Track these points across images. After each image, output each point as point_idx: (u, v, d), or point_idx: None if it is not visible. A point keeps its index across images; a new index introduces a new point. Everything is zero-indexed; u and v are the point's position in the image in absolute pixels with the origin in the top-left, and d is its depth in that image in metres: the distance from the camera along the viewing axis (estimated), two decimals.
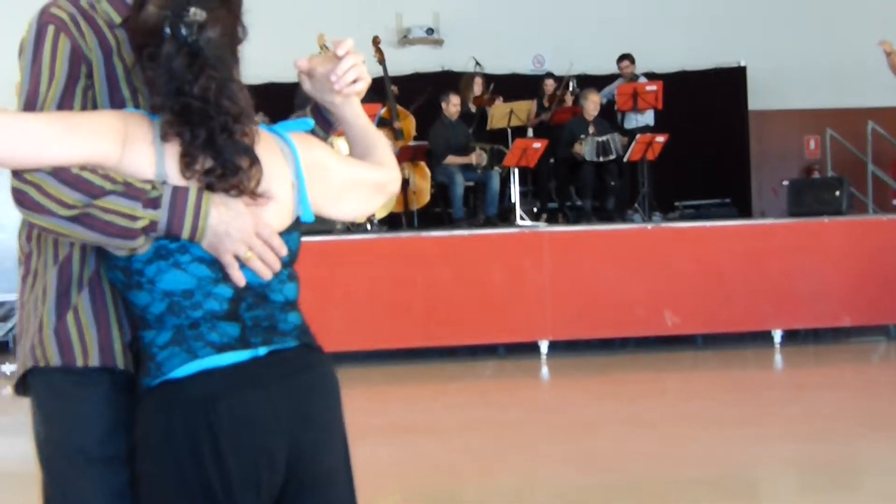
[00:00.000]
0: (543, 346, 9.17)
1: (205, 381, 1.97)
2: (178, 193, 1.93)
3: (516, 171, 11.24)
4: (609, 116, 12.25)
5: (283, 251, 2.03)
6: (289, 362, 2.06)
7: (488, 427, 6.77)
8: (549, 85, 12.93)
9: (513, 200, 11.19)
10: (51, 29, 2.03)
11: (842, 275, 9.45)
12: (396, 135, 11.78)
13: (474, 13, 13.96)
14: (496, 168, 11.63)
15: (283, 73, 12.50)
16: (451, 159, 11.51)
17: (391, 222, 11.44)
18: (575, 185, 12.05)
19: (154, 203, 1.90)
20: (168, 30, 1.93)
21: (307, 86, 2.34)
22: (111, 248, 1.95)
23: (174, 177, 1.94)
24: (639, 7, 14.02)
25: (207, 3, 1.96)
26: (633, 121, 12.21)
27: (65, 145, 1.87)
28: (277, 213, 2.04)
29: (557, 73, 13.13)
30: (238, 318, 2.01)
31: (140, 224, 1.90)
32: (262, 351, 2.02)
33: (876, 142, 12.77)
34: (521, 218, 10.89)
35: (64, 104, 2.02)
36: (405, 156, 11.46)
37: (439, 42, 14.07)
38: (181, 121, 1.94)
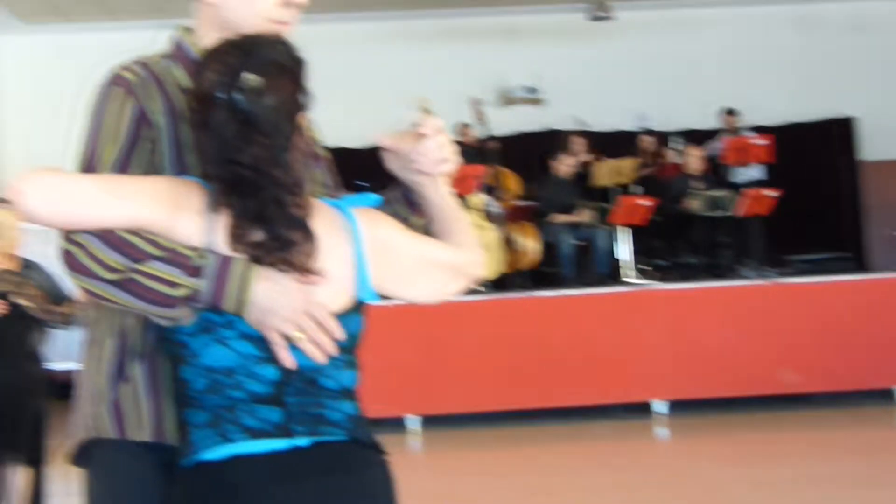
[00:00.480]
0: (659, 406, 9.02)
1: (235, 468, 1.86)
2: (223, 263, 1.86)
3: (624, 229, 11.16)
4: (715, 171, 12.12)
5: (339, 334, 1.90)
6: (334, 458, 1.90)
7: (611, 491, 6.65)
8: (646, 141, 12.85)
9: (621, 258, 11.09)
10: (117, 91, 2.05)
11: None
12: (501, 195, 11.79)
13: (575, 72, 13.97)
14: (603, 226, 11.56)
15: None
16: (559, 218, 11.46)
17: (500, 283, 11.40)
18: (684, 242, 11.91)
19: (197, 271, 1.85)
20: (222, 95, 1.89)
21: (391, 163, 2.22)
22: (153, 317, 1.89)
23: (222, 248, 1.87)
24: (741, 61, 13.90)
25: (265, 70, 1.90)
26: (741, 175, 12.06)
27: (113, 208, 1.84)
28: (334, 292, 1.93)
29: (660, 128, 13.05)
30: (281, 402, 1.89)
31: (180, 292, 1.84)
32: (304, 441, 1.89)
33: None
34: (631, 276, 10.79)
35: (123, 167, 2.01)
36: (511, 216, 11.46)
37: (541, 101, 14.09)
38: (231, 190, 1.87)
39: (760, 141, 11.51)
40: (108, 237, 1.84)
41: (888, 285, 9.55)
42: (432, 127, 2.16)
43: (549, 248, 11.59)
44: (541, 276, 11.76)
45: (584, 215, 11.50)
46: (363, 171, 12.66)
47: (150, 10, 12.83)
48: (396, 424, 8.80)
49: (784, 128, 13.45)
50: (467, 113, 12.32)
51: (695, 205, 11.28)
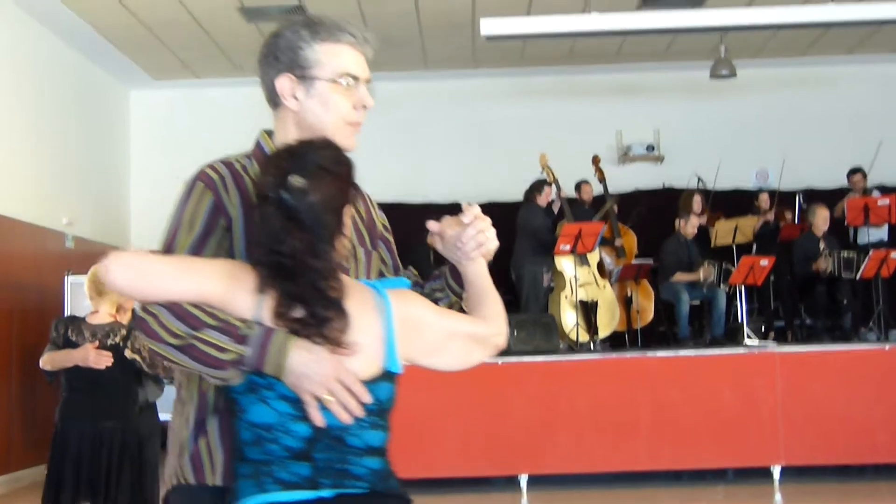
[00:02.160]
0: (776, 472, 8.82)
1: None
2: (266, 334, 2.16)
3: (743, 288, 11.02)
4: (838, 232, 11.90)
5: (367, 398, 2.17)
6: None
7: None
8: (763, 199, 12.69)
9: (740, 319, 10.94)
10: (199, 186, 2.39)
11: None
12: (618, 252, 11.76)
13: (694, 129, 13.90)
14: (723, 286, 11.43)
15: (505, 193, 12.81)
16: (680, 276, 11.38)
17: (615, 341, 11.35)
18: (805, 304, 11.69)
19: (244, 340, 2.15)
20: (272, 193, 2.18)
21: (438, 246, 2.55)
22: (208, 377, 2.20)
23: (268, 322, 2.17)
24: (865, 119, 13.65)
25: (311, 172, 2.18)
26: (866, 236, 11.82)
27: (181, 284, 2.15)
28: (364, 362, 2.20)
29: (782, 187, 12.88)
30: (310, 458, 2.16)
31: (228, 357, 2.14)
32: (328, 493, 2.15)
33: None
34: (749, 337, 10.62)
35: (197, 251, 2.33)
36: (628, 273, 11.41)
37: (660, 158, 14.05)
38: (275, 275, 2.16)
39: (883, 201, 11.27)
40: (174, 308, 2.16)
41: None
42: (473, 215, 2.48)
43: (668, 307, 11.50)
44: (657, 335, 11.67)
45: (704, 273, 11.39)
46: (503, 225, 12.87)
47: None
48: (509, 483, 8.80)
49: None
50: (587, 169, 12.36)
51: (824, 265, 11.09)
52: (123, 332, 5.76)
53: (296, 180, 2.17)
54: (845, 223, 11.95)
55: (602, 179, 12.17)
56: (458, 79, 13.92)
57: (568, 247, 10.62)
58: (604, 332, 11.01)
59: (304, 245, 2.16)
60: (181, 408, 2.42)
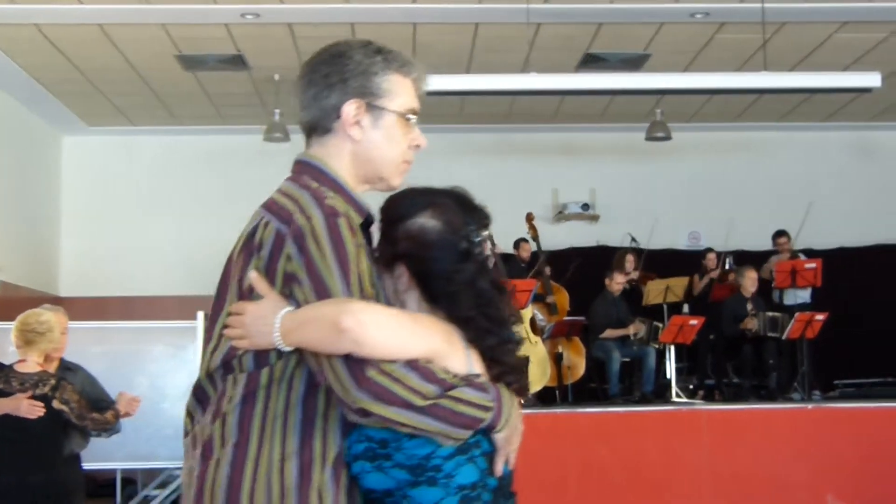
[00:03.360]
0: None
1: None
2: (496, 388, 2.09)
3: (672, 347, 11.17)
4: (765, 293, 12.13)
5: None
6: None
7: None
8: (711, 259, 12.91)
9: (669, 377, 11.09)
10: (343, 222, 2.11)
11: None
12: (550, 310, 11.87)
13: (630, 189, 14.11)
14: (653, 344, 11.59)
15: None
16: (610, 333, 11.52)
17: (546, 397, 11.42)
18: (733, 363, 11.89)
19: (491, 395, 2.06)
20: (466, 246, 2.16)
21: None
22: (443, 439, 2.02)
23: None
24: (793, 184, 13.96)
25: (484, 223, 2.23)
26: (793, 297, 12.06)
27: (417, 341, 2.02)
28: None
29: (715, 249, 13.13)
30: None
31: (489, 414, 2.04)
32: None
33: None
34: (678, 395, 10.77)
35: (377, 294, 2.12)
36: (560, 330, 11.52)
37: (595, 217, 14.23)
38: (483, 331, 2.12)
39: (809, 265, 11.54)
40: (418, 369, 2.00)
41: None
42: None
43: (598, 364, 11.62)
44: (587, 391, 11.78)
45: (634, 328, 11.57)
46: None
47: (211, 116, 13.28)
48: None
49: (835, 251, 13.47)
50: (522, 227, 12.48)
51: (752, 325, 11.29)
52: (52, 381, 5.66)
53: (489, 234, 2.19)
54: (773, 285, 12.20)
55: (535, 237, 12.30)
56: None
57: None
58: (535, 387, 11.06)
59: (500, 299, 2.17)
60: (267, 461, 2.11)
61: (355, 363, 1.97)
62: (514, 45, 10.56)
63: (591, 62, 11.42)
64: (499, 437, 2.09)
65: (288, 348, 2.08)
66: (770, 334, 11.25)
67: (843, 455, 9.08)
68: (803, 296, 12.07)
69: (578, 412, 9.40)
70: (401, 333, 2.00)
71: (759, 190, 14.16)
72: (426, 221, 2.19)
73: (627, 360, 11.75)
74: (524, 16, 9.61)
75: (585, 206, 14.22)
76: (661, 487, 8.96)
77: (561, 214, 14.23)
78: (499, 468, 2.10)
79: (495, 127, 13.97)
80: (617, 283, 11.87)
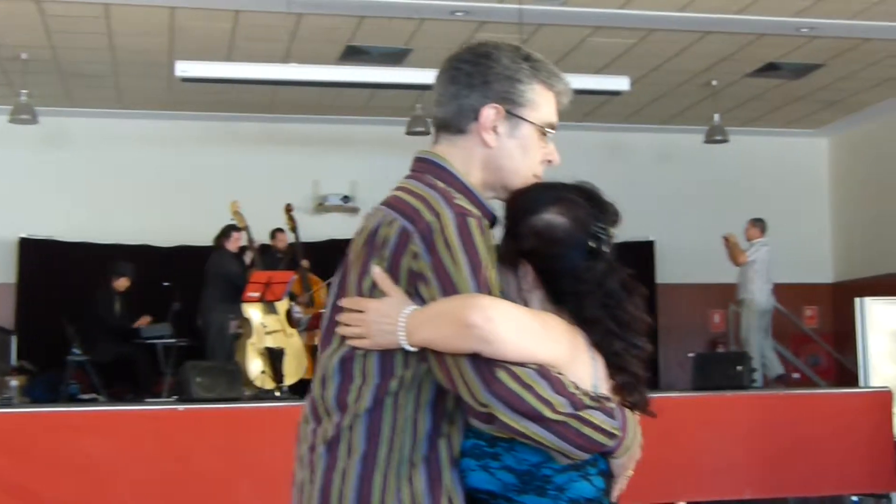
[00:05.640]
0: None
1: None
2: (622, 411, 2.01)
3: None
4: None
5: None
6: None
7: None
8: None
9: None
10: (473, 222, 2.03)
11: (743, 448, 9.57)
12: (308, 301, 11.83)
13: (390, 182, 13.82)
14: None
15: (196, 238, 12.63)
16: None
17: (301, 390, 11.37)
18: None
19: (619, 422, 1.98)
20: (595, 244, 2.07)
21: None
22: (557, 456, 1.94)
23: (604, 390, 2.01)
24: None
25: (612, 220, 2.12)
26: None
27: (544, 345, 1.93)
28: None
29: None
30: None
31: (613, 442, 1.96)
32: None
33: (776, 317, 13.08)
34: None
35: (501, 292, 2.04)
36: (316, 323, 11.49)
37: (355, 210, 14.26)
38: (610, 334, 2.03)
39: None
40: (549, 378, 1.90)
41: (679, 404, 9.88)
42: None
43: None
44: None
45: None
46: (168, 271, 12.60)
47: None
48: None
49: None
50: (282, 217, 12.39)
51: None
52: None
53: (611, 233, 2.09)
54: None
55: (294, 228, 12.22)
56: (153, 119, 13.68)
57: (257, 294, 10.62)
58: (290, 379, 11.02)
59: (638, 300, 2.09)
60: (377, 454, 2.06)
61: (483, 363, 1.89)
62: (275, 34, 10.47)
63: (354, 55, 11.44)
64: (615, 463, 2.02)
65: (412, 348, 1.99)
66: None
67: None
68: None
69: None
70: (530, 334, 1.91)
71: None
72: (553, 218, 2.10)
73: None
74: (285, 5, 9.53)
75: (346, 199, 14.24)
76: None
77: (321, 206, 14.20)
78: (615, 493, 2.05)
79: (257, 116, 13.83)
80: None
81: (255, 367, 10.85)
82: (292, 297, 11.47)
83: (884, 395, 9.90)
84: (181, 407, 8.55)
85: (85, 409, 9.42)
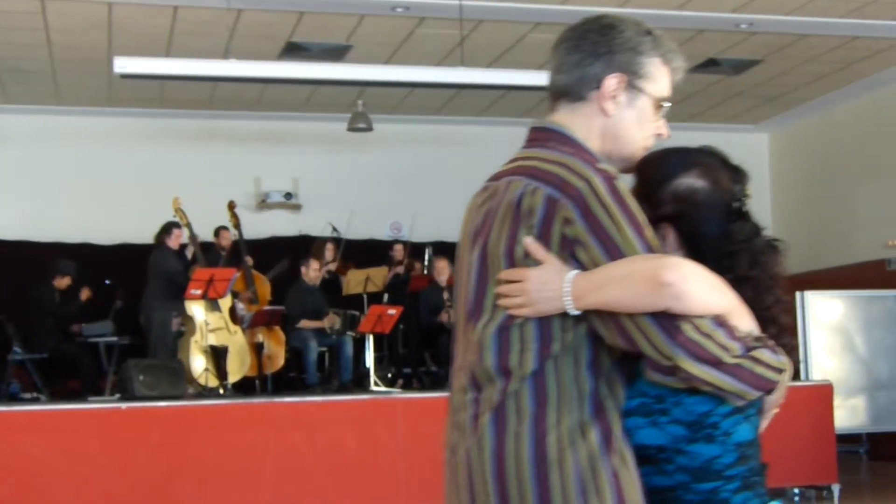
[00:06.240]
0: None
1: None
2: (776, 350, 2.09)
3: (371, 336, 11.32)
4: None
5: None
6: None
7: None
8: (398, 250, 13.15)
9: (368, 366, 11.24)
10: (622, 185, 2.10)
11: None
12: (251, 298, 11.79)
13: (332, 179, 14.16)
14: (350, 334, 11.70)
15: (137, 235, 12.55)
16: (305, 324, 11.55)
17: (245, 387, 11.34)
18: (430, 351, 12.16)
19: (784, 357, 2.08)
20: (738, 205, 2.19)
21: None
22: (732, 399, 2.02)
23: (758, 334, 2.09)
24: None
25: (747, 179, 2.25)
26: None
27: (722, 298, 2.02)
28: None
29: (416, 239, 13.36)
30: (763, 471, 2.18)
31: (781, 377, 2.05)
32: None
33: None
34: (376, 384, 10.92)
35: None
36: (260, 319, 11.46)
37: (297, 207, 14.22)
38: (761, 290, 2.14)
39: None
40: (724, 325, 2.00)
41: None
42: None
43: (297, 354, 11.63)
44: (286, 381, 11.78)
45: (328, 321, 11.64)
46: (110, 269, 12.50)
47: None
48: None
49: None
50: (224, 215, 12.32)
51: (446, 317, 11.56)
52: None
53: (747, 193, 2.20)
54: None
55: (237, 225, 12.18)
56: (92, 116, 13.54)
57: (199, 291, 10.56)
58: (234, 377, 10.98)
59: (776, 259, 2.20)
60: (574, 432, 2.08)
61: (667, 319, 1.98)
62: (214, 29, 10.40)
63: (294, 51, 11.40)
64: (770, 398, 2.12)
65: (577, 312, 2.05)
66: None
67: None
68: None
69: (276, 402, 9.37)
70: (714, 289, 2.01)
71: (459, 182, 14.43)
72: (694, 181, 2.21)
73: (325, 349, 11.81)
74: (224, 1, 9.49)
75: (288, 196, 14.18)
76: (358, 473, 9.07)
77: (263, 203, 14.13)
78: (763, 425, 2.17)
79: (197, 112, 13.73)
80: (313, 271, 11.91)
81: (199, 364, 10.80)
82: (235, 295, 11.42)
83: (825, 389, 10.06)
84: (124, 405, 8.50)
85: (26, 408, 9.35)
